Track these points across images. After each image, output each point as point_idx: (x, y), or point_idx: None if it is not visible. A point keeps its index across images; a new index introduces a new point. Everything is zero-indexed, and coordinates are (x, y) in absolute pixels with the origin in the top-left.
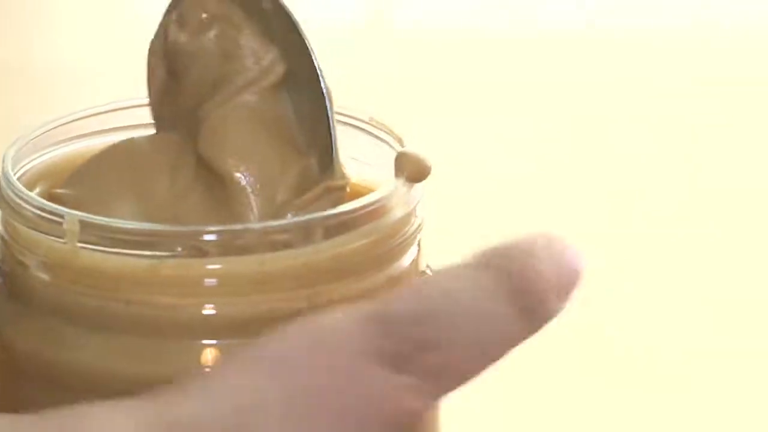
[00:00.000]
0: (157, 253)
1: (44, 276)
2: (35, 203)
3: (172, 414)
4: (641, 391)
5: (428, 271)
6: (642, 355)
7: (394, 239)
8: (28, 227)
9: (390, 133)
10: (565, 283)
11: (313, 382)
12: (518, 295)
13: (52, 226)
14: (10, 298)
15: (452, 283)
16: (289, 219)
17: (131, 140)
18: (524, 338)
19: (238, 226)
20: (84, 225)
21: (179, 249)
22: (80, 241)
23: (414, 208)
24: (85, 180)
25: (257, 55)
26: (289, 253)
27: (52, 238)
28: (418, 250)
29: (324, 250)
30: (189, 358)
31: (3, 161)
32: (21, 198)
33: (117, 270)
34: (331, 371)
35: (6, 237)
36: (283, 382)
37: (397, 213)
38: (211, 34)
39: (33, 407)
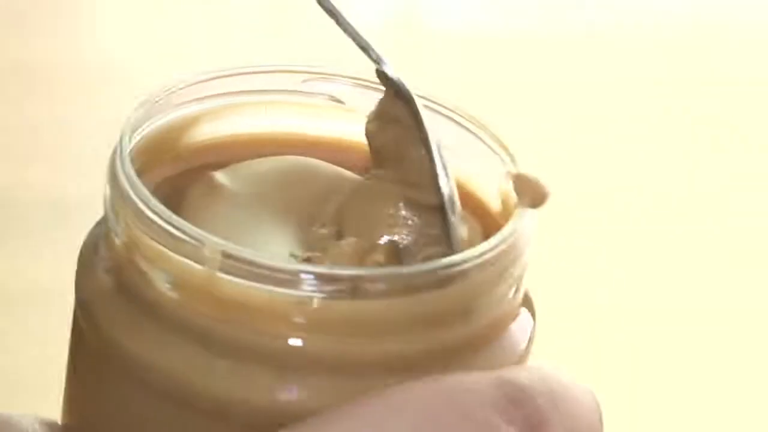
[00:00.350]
0: (308, 293)
1: (174, 295)
2: (173, 222)
3: None
4: (642, 392)
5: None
6: (643, 355)
7: (505, 282)
8: (158, 242)
9: (501, 146)
10: None
11: (457, 424)
12: None
13: (189, 247)
14: (123, 298)
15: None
16: (445, 261)
17: (314, 161)
18: None
19: (398, 270)
20: (226, 256)
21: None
22: (221, 270)
23: (525, 249)
24: (252, 180)
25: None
26: (436, 293)
27: (188, 260)
28: (517, 290)
29: (457, 294)
30: (317, 395)
31: (121, 160)
32: (152, 210)
33: (259, 304)
34: (469, 426)
35: (123, 238)
36: (415, 428)
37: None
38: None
39: (130, 411)
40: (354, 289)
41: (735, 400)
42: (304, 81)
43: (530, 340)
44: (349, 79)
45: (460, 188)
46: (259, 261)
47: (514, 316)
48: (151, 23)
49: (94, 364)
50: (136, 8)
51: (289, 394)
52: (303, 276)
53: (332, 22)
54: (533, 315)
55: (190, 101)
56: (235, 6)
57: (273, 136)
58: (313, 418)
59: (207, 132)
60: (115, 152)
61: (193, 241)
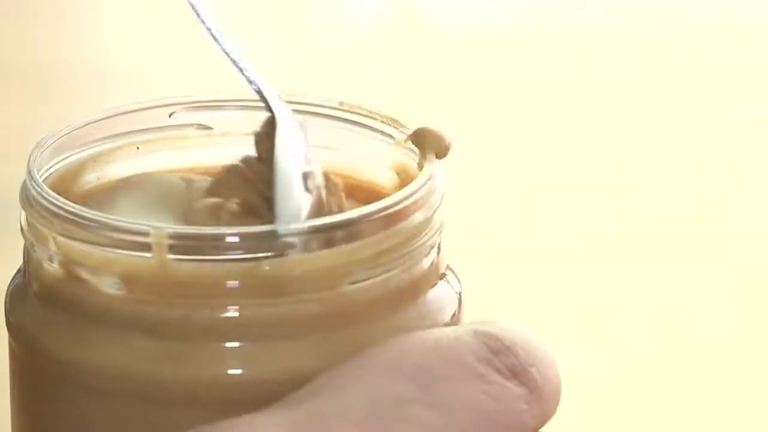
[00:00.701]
0: (258, 255)
1: (119, 292)
2: (108, 221)
3: (314, 408)
4: (646, 393)
5: (448, 273)
6: (646, 355)
7: (416, 242)
8: (92, 243)
9: (391, 122)
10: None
11: (446, 385)
12: None
13: (131, 241)
14: (67, 317)
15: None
16: (330, 218)
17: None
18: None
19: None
20: (173, 237)
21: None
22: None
23: (435, 211)
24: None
25: None
26: (321, 254)
27: (133, 253)
28: (438, 253)
29: (352, 251)
30: (288, 358)
31: (37, 186)
32: (82, 217)
33: (212, 277)
34: (460, 373)
35: (51, 254)
36: (414, 381)
37: (419, 216)
38: None
39: (92, 419)
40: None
41: (736, 400)
42: (171, 114)
43: (454, 317)
44: (218, 104)
45: (362, 185)
46: (207, 234)
47: (431, 284)
48: (151, 22)
49: (49, 392)
50: (136, 7)
51: (250, 365)
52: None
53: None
54: (460, 296)
55: (72, 150)
56: (238, 4)
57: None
58: (306, 388)
59: (89, 180)
60: (25, 184)
61: (135, 235)
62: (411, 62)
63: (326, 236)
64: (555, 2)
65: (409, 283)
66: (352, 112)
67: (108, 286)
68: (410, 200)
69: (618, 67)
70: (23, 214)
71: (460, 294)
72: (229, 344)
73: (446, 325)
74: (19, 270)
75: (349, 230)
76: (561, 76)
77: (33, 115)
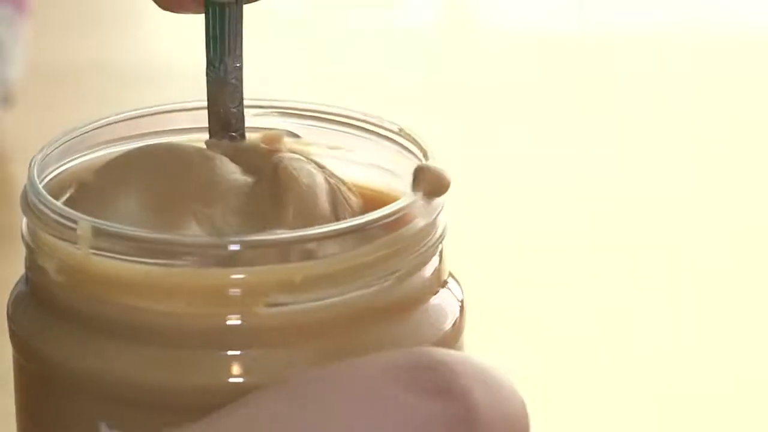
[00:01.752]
0: (172, 261)
1: (62, 280)
2: (53, 207)
3: (210, 428)
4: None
5: (450, 281)
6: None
7: (416, 250)
8: (47, 233)
9: (417, 144)
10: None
11: (349, 405)
12: None
13: (68, 231)
14: (36, 307)
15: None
16: (315, 229)
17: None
18: None
19: (263, 236)
20: (97, 232)
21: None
22: (93, 248)
23: (435, 218)
24: (115, 169)
25: None
26: (313, 263)
27: (69, 243)
28: (440, 260)
29: (345, 261)
30: (212, 368)
31: (30, 167)
32: (42, 203)
33: (129, 277)
34: (366, 402)
35: (31, 244)
36: (318, 405)
37: (419, 223)
38: None
39: (60, 417)
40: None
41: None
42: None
43: (455, 326)
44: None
45: (380, 197)
46: (128, 233)
47: (432, 292)
48: (188, 23)
49: (52, 399)
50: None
51: (178, 373)
52: (170, 247)
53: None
54: (462, 305)
55: (79, 152)
56: (287, 5)
57: None
58: (217, 413)
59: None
60: (25, 189)
61: (70, 223)
62: (459, 62)
63: (330, 243)
64: (605, 3)
65: (410, 291)
66: (379, 126)
67: (55, 274)
68: (410, 206)
69: (662, 68)
70: (24, 219)
71: (462, 302)
72: (230, 352)
73: (447, 334)
74: (21, 277)
75: (348, 237)
76: (612, 79)
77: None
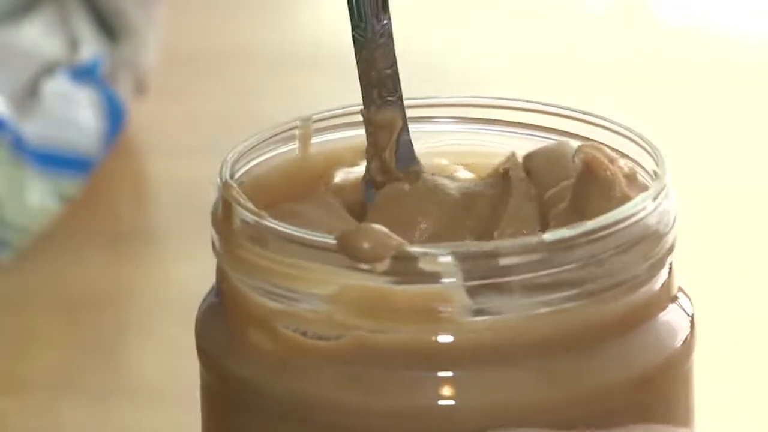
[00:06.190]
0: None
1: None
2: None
3: None
4: None
5: (680, 296)
6: None
7: (645, 260)
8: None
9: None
10: None
11: None
12: None
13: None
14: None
15: None
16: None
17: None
18: None
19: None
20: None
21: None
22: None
23: (667, 226)
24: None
25: None
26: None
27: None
28: (670, 273)
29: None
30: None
31: (235, 197)
32: (291, 237)
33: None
34: None
35: (258, 284)
36: None
37: (650, 230)
38: None
39: None
40: None
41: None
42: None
43: (686, 343)
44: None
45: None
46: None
47: (661, 307)
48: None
49: (243, 420)
50: None
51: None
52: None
53: None
54: (692, 321)
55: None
56: None
57: None
58: None
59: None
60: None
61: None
62: (635, 54)
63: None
64: None
65: (638, 305)
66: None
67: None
68: (642, 212)
69: None
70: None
71: (692, 318)
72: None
73: (676, 351)
74: (212, 289)
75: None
76: None
77: (243, 105)
